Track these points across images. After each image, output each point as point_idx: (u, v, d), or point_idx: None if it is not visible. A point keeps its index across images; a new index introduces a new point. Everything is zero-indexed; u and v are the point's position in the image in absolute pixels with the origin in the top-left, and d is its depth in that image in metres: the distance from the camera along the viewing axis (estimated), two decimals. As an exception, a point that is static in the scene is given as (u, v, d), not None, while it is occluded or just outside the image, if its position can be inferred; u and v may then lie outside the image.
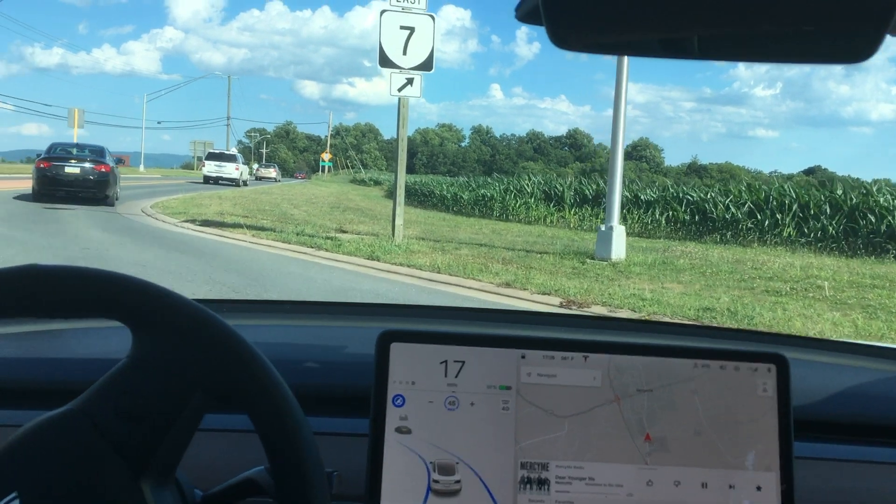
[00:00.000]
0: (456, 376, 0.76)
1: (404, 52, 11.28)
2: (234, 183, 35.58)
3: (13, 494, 0.58)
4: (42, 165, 16.95)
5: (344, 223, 15.68)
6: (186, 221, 14.36)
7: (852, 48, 0.47)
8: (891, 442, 0.98)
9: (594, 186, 20.42)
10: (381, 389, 0.75)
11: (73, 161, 17.06)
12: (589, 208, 19.62)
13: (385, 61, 11.27)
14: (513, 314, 2.09)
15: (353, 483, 0.76)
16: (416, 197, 28.76)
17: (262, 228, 13.46)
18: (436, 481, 0.74)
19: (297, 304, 1.79)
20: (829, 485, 0.90)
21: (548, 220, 19.61)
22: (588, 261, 10.79)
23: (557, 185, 21.32)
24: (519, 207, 20.70)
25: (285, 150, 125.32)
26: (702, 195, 17.14)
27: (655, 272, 10.11)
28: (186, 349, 0.63)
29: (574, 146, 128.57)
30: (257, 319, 1.32)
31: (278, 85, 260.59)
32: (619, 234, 11.00)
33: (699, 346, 0.78)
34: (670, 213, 17.30)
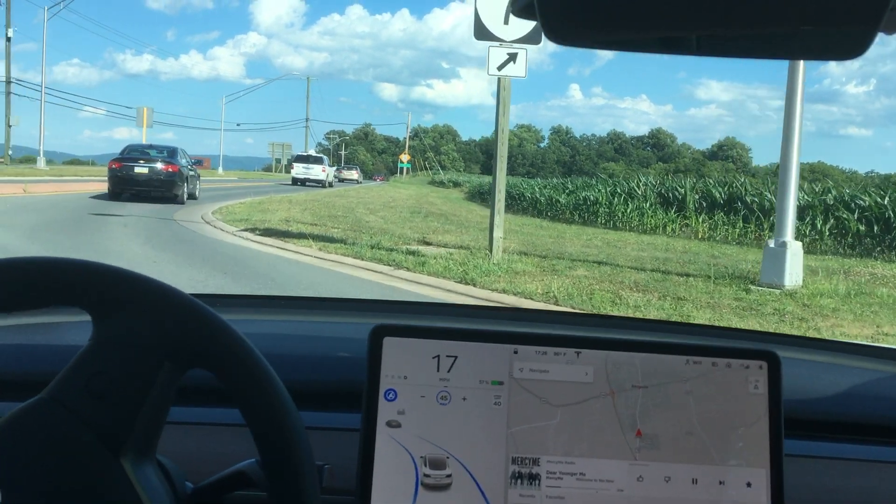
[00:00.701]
0: (448, 371, 0.75)
1: (505, 22, 8.86)
2: (320, 184, 37.47)
3: None
4: (114, 166, 17.58)
5: (427, 232, 13.38)
6: (246, 230, 12.37)
7: (845, 45, 0.49)
8: (882, 440, 0.98)
9: (726, 189, 17.31)
10: (374, 384, 0.75)
11: (142, 161, 17.59)
12: (723, 215, 16.36)
13: (482, 33, 8.88)
14: (505, 311, 2.40)
15: (343, 476, 0.76)
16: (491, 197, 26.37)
17: (332, 240, 11.30)
18: (426, 475, 0.73)
19: (290, 300, 1.63)
20: (820, 482, 0.90)
21: (667, 229, 16.70)
22: (753, 288, 8.12)
23: (678, 188, 18.21)
24: (630, 213, 17.81)
25: (364, 152, 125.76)
26: (875, 199, 13.79)
27: (856, 307, 7.37)
28: (148, 323, 0.62)
29: (657, 146, 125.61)
30: (250, 315, 1.30)
31: (357, 88, 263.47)
32: (794, 252, 8.24)
33: (691, 343, 0.78)
34: (833, 221, 13.96)
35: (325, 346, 1.15)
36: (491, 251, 9.44)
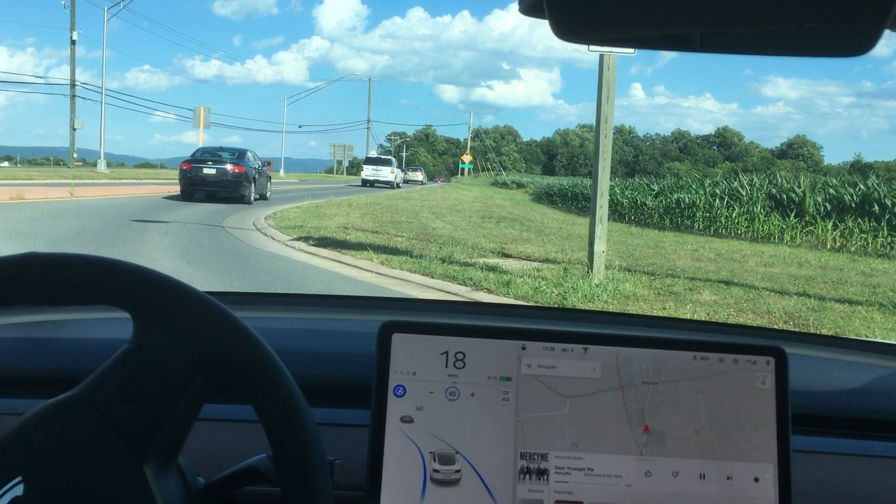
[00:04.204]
0: (457, 367, 0.75)
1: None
2: (388, 185, 38.49)
3: (18, 479, 0.58)
4: (184, 167, 18.09)
5: (504, 242, 11.64)
6: (300, 239, 10.87)
7: (852, 42, 0.48)
8: (890, 436, 0.97)
9: (857, 191, 14.83)
10: (383, 380, 0.75)
11: (210, 163, 17.99)
12: (858, 220, 13.90)
13: None
14: (513, 308, 2.26)
15: (354, 472, 0.77)
16: (575, 202, 24.33)
17: (395, 251, 9.68)
18: (436, 471, 0.73)
19: (300, 297, 1.60)
20: (828, 478, 0.90)
21: (785, 237, 14.40)
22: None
23: (797, 188, 15.67)
24: (737, 218, 15.54)
25: (425, 154, 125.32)
26: None
27: None
28: (188, 333, 0.62)
29: (723, 145, 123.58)
30: (261, 312, 1.30)
31: (418, 89, 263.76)
32: None
33: (698, 339, 0.77)
34: None
35: (335, 342, 1.16)
36: (591, 268, 7.64)
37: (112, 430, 0.60)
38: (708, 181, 19.04)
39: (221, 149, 19.57)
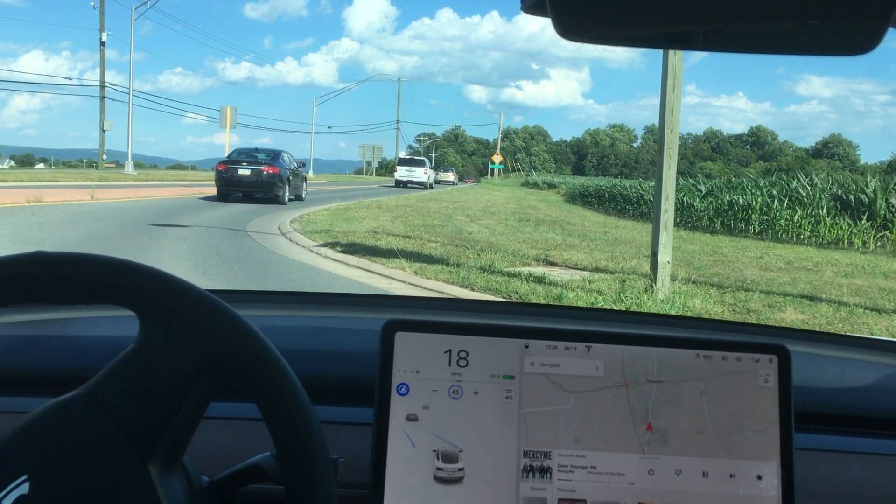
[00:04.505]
0: (460, 365, 0.75)
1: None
2: (422, 186, 38.74)
3: (23, 477, 0.58)
4: (220, 168, 18.29)
5: (547, 248, 10.71)
6: (326, 245, 10.06)
7: (855, 41, 0.48)
8: (892, 434, 0.97)
9: None
10: (386, 378, 0.74)
11: (244, 164, 18.08)
12: None
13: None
14: (516, 306, 2.24)
15: (357, 470, 0.77)
16: (613, 203, 23.27)
17: (430, 259, 8.81)
18: (439, 469, 0.73)
19: (303, 296, 1.63)
20: (831, 475, 0.89)
21: (856, 242, 13.22)
22: None
23: (866, 189, 14.31)
24: (800, 222, 14.32)
25: (454, 154, 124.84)
26: None
27: None
28: (193, 333, 0.62)
29: (756, 144, 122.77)
30: (264, 310, 1.29)
31: (447, 90, 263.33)
32: None
33: (701, 337, 0.77)
34: None
35: (339, 340, 1.15)
36: (654, 282, 6.69)
37: (117, 429, 0.60)
38: (763, 181, 17.75)
39: (257, 150, 19.69)
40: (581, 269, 8.55)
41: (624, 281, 7.40)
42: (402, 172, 40.34)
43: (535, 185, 52.46)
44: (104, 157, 45.68)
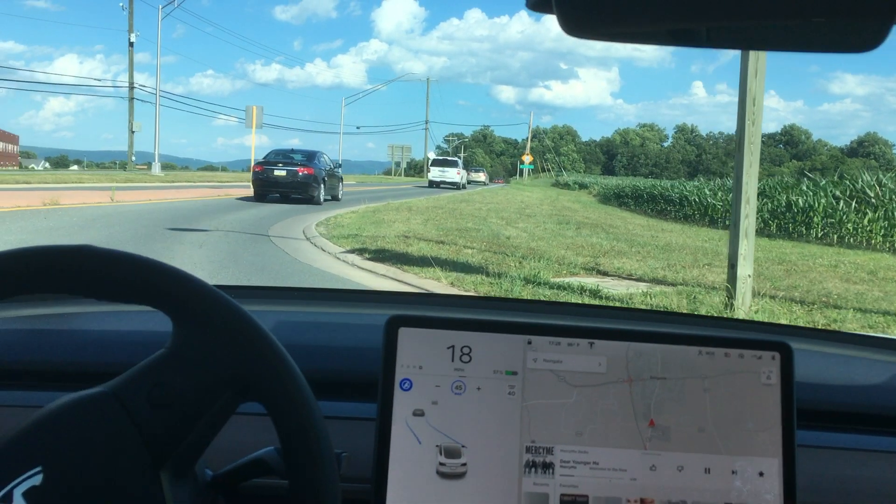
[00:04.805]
0: (463, 361, 0.75)
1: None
2: (455, 186, 39.02)
3: (38, 468, 0.58)
4: (257, 169, 18.43)
5: (594, 254, 9.79)
6: (353, 252, 9.24)
7: (860, 37, 0.48)
8: (894, 431, 0.97)
9: None
10: (389, 374, 0.75)
11: (280, 164, 18.16)
12: None
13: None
14: (519, 302, 2.14)
15: (360, 465, 0.77)
16: (652, 204, 22.22)
17: (467, 267, 7.95)
18: (442, 464, 0.73)
19: (308, 291, 1.68)
20: (833, 473, 0.89)
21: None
22: None
23: None
24: (871, 225, 13.10)
25: (482, 154, 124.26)
26: None
27: None
28: (224, 348, 0.62)
29: (790, 143, 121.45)
30: (269, 306, 1.30)
31: (475, 90, 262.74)
32: None
33: (703, 334, 0.77)
34: None
35: (342, 336, 1.15)
36: (733, 297, 5.74)
37: (136, 432, 0.60)
38: (824, 181, 16.45)
39: (293, 151, 19.74)
40: (637, 280, 7.63)
41: (693, 296, 6.46)
42: (435, 173, 40.81)
43: (566, 186, 51.83)
44: (133, 158, 45.58)
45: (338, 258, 8.89)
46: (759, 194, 16.52)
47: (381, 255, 8.82)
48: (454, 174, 40.36)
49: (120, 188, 20.39)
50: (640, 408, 0.74)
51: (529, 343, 0.75)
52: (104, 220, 11.81)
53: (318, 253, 9.38)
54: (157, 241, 9.68)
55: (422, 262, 8.13)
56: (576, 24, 0.47)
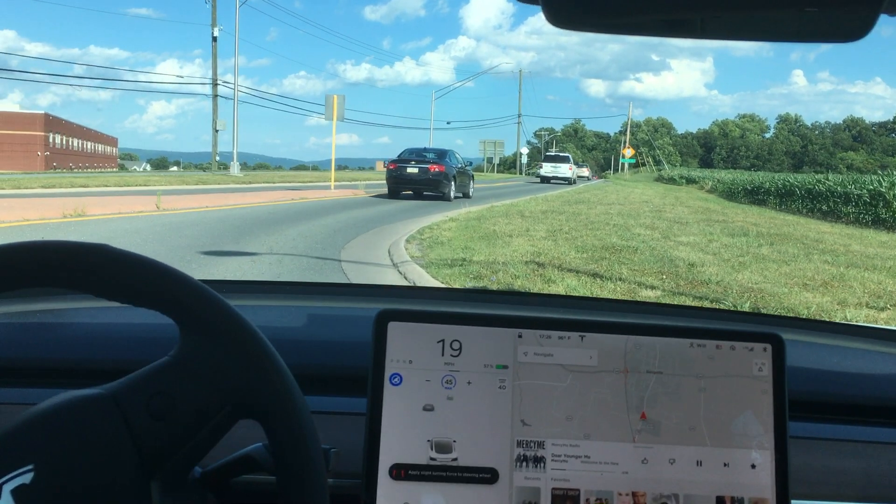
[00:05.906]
0: (453, 355, 0.75)
1: None
2: (566, 182, 39.23)
3: (30, 466, 0.58)
4: (390, 167, 19.17)
5: (818, 282, 6.04)
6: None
7: (848, 27, 0.49)
8: (887, 422, 0.97)
9: None
10: (379, 368, 0.74)
11: (412, 162, 18.80)
12: None
13: None
14: (509, 295, 2.19)
15: (350, 460, 0.76)
16: (808, 202, 18.07)
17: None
18: (432, 459, 0.73)
19: (297, 285, 1.63)
20: (825, 464, 0.89)
21: None
22: None
23: None
24: None
25: (573, 149, 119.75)
26: None
27: None
28: (229, 363, 0.62)
29: None
30: (257, 300, 1.28)
31: (565, 85, 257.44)
32: None
33: (695, 326, 0.77)
34: None
35: (332, 330, 1.14)
36: None
37: (130, 439, 0.59)
38: None
39: (425, 149, 20.51)
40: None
41: None
42: (547, 169, 41.31)
43: (671, 180, 47.70)
44: (217, 158, 44.09)
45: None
46: None
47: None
48: (566, 170, 40.40)
49: (183, 192, 17.78)
50: (634, 400, 0.73)
51: (520, 336, 0.75)
52: (132, 236, 8.90)
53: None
54: (191, 266, 6.59)
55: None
56: (561, 15, 0.46)
